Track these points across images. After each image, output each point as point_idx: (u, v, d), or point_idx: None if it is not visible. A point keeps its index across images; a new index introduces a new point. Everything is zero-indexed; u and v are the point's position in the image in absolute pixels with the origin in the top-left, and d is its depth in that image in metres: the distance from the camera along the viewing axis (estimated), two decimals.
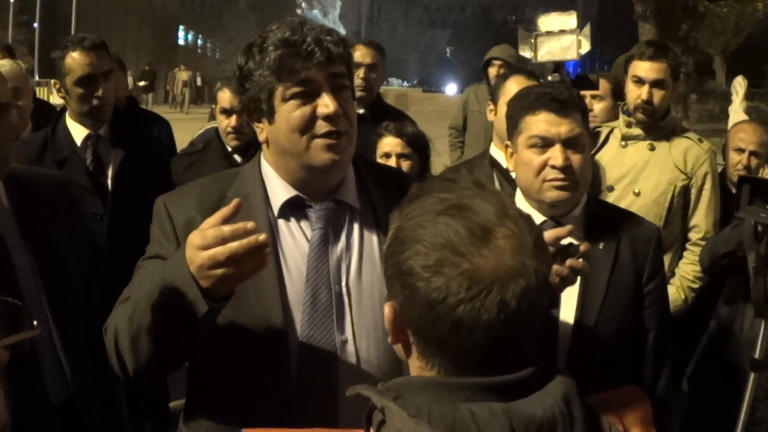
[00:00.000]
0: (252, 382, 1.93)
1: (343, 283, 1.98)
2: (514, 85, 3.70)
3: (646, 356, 2.57)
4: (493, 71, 6.48)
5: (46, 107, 5.15)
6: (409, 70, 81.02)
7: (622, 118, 4.10)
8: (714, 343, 3.58)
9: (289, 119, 1.91)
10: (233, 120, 4.33)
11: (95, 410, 2.37)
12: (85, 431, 2.35)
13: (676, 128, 4.10)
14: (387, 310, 1.32)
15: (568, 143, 2.41)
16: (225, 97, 4.38)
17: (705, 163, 3.94)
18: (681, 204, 3.94)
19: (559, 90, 2.46)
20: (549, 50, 4.04)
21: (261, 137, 2.02)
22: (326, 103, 1.89)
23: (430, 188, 1.35)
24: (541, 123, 2.43)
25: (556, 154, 2.40)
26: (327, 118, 1.90)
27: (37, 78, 26.52)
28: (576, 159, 2.41)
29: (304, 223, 2.01)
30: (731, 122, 16.63)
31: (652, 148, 3.99)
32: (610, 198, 3.92)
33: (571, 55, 4.03)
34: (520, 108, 2.51)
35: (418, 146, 3.32)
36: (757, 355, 3.03)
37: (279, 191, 2.02)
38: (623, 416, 1.38)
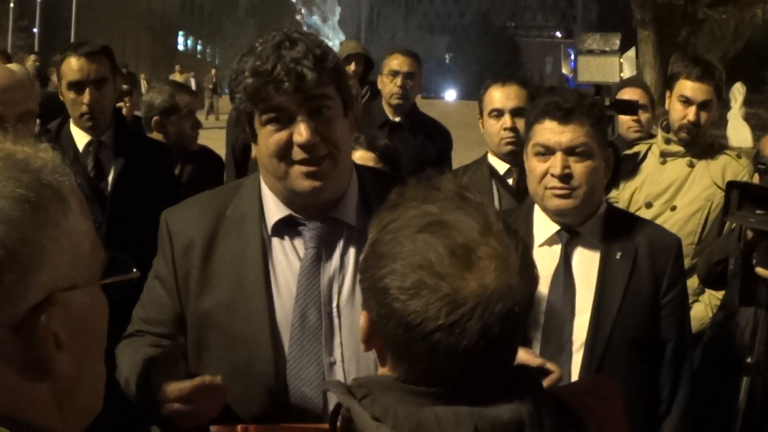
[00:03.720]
0: (241, 397, 1.94)
1: (334, 304, 1.95)
2: (496, 94, 3.70)
3: (664, 368, 2.54)
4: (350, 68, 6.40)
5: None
6: None
7: (660, 134, 4.06)
8: (709, 350, 3.58)
9: (267, 144, 1.87)
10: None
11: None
12: None
13: (714, 144, 4.07)
14: (362, 319, 1.27)
15: (571, 152, 2.43)
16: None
17: (744, 180, 3.86)
18: (718, 221, 3.88)
19: (567, 98, 2.46)
20: (590, 71, 3.97)
21: (253, 155, 2.00)
22: (300, 132, 1.83)
23: (410, 196, 1.27)
24: (545, 131, 2.45)
25: (555, 162, 2.42)
26: (301, 146, 1.84)
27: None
28: (579, 168, 2.43)
29: (297, 242, 1.99)
30: (730, 128, 16.60)
31: (691, 165, 3.96)
32: (648, 214, 3.89)
33: (613, 77, 3.95)
34: (530, 116, 2.54)
35: (391, 160, 3.20)
36: (749, 359, 3.04)
37: (273, 209, 1.99)
38: (595, 408, 1.35)
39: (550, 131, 2.44)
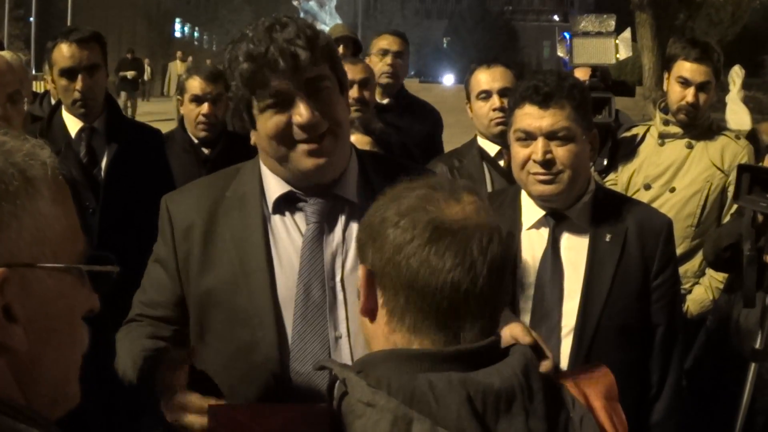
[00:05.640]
0: (245, 376, 1.93)
1: (338, 279, 1.95)
2: (483, 77, 3.69)
3: (654, 352, 2.51)
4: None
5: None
6: None
7: (658, 115, 4.06)
8: (713, 335, 3.56)
9: (267, 129, 1.88)
10: (205, 108, 4.29)
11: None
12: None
13: (712, 125, 4.07)
14: (360, 271, 1.37)
15: (552, 136, 2.39)
16: (196, 84, 4.34)
17: (743, 161, 3.87)
18: (717, 202, 3.91)
19: (548, 81, 2.41)
20: (585, 53, 3.95)
21: (252, 141, 2.00)
22: (300, 113, 1.84)
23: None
24: (525, 117, 2.42)
25: (536, 148, 2.39)
26: (302, 127, 1.85)
27: (33, 72, 26.46)
28: (561, 152, 2.39)
29: (299, 218, 1.99)
30: (728, 112, 16.59)
31: (690, 146, 3.96)
32: (647, 196, 3.89)
33: (608, 59, 3.95)
34: (511, 101, 2.51)
35: (386, 143, 3.20)
36: (757, 345, 3.02)
37: (274, 187, 2.00)
38: (586, 389, 1.39)
39: (530, 116, 2.41)
